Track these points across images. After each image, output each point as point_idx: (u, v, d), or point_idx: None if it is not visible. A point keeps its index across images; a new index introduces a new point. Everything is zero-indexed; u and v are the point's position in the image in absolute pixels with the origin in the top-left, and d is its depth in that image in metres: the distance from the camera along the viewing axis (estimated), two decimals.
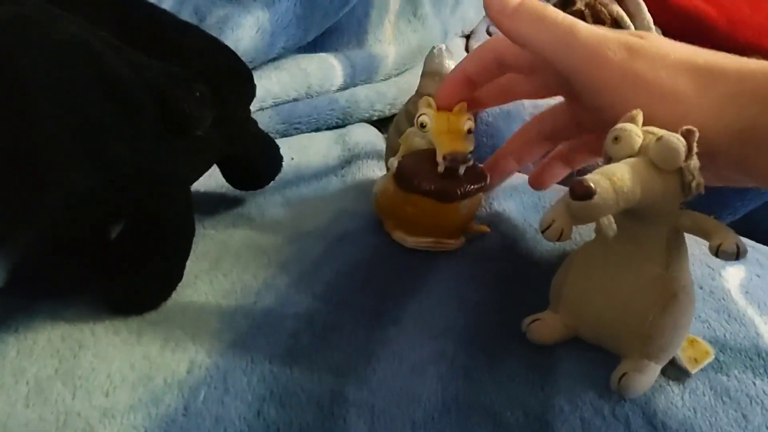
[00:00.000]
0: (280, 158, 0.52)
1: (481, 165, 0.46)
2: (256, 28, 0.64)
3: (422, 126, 0.43)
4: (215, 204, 0.50)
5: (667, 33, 0.85)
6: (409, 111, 0.48)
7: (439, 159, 0.41)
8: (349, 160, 0.61)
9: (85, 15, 0.35)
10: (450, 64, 0.48)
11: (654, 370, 0.35)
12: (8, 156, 0.28)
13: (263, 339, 0.37)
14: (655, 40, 0.37)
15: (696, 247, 0.34)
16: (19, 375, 0.33)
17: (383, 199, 0.46)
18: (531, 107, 0.68)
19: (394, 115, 0.71)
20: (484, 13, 1.11)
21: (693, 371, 0.36)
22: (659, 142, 0.31)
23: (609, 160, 0.33)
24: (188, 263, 0.41)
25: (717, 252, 0.31)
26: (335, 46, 0.77)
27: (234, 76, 0.44)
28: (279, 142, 0.53)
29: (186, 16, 0.65)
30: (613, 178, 0.29)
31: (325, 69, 0.71)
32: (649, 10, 0.87)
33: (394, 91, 0.77)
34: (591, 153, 0.50)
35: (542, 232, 0.32)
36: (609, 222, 0.34)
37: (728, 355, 0.38)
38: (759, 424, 0.34)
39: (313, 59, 0.72)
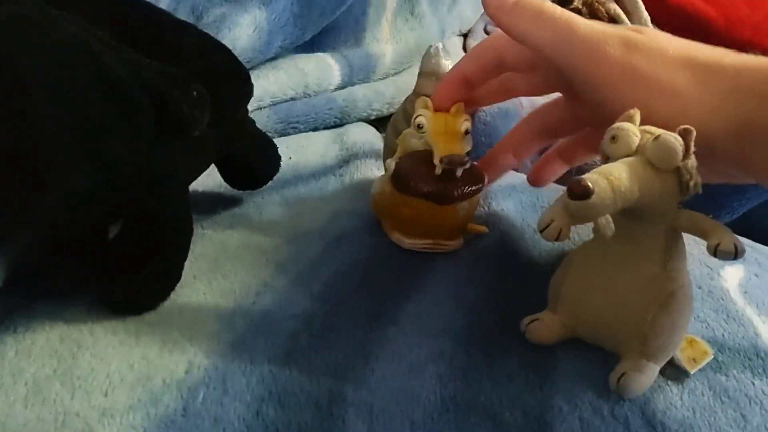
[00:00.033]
0: (278, 158, 0.52)
1: (476, 163, 0.46)
2: (253, 27, 0.64)
3: (419, 127, 0.43)
4: (213, 204, 0.50)
5: (664, 31, 0.85)
6: (407, 110, 0.48)
7: (437, 162, 0.41)
8: (347, 159, 0.61)
9: (85, 15, 0.35)
10: (447, 63, 0.48)
11: (653, 370, 0.35)
12: (8, 156, 0.28)
13: (262, 339, 0.37)
14: (653, 35, 0.37)
15: (695, 246, 0.34)
16: (18, 375, 0.33)
17: (381, 200, 0.46)
18: (529, 106, 0.68)
19: (392, 115, 0.71)
20: (481, 12, 1.11)
21: (692, 371, 0.36)
22: (657, 142, 0.31)
23: (607, 160, 0.33)
24: (186, 263, 0.41)
25: (715, 251, 0.31)
26: (333, 45, 0.77)
27: (231, 77, 0.44)
28: (277, 141, 0.53)
29: (183, 14, 0.65)
30: (611, 177, 0.29)
31: (323, 68, 0.71)
32: (646, 8, 0.87)
33: (392, 91, 0.77)
34: (590, 149, 0.50)
35: (541, 231, 0.32)
36: (607, 221, 0.34)
37: (727, 355, 0.38)
38: (758, 423, 0.34)
39: (310, 58, 0.71)
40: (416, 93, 0.49)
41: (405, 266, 0.44)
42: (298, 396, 0.33)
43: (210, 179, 0.50)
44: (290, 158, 0.59)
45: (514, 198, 0.54)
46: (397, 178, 0.43)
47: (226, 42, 0.54)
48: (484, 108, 0.75)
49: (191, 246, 0.41)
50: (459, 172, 0.42)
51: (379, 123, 0.74)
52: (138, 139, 0.34)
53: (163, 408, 0.32)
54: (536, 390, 0.35)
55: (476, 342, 0.38)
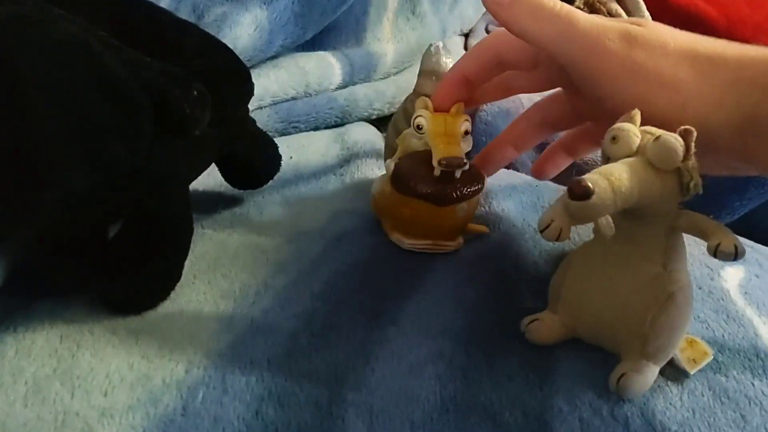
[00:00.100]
0: (279, 157, 0.52)
1: (474, 163, 0.46)
2: (254, 26, 0.64)
3: (418, 128, 0.43)
4: (214, 203, 0.50)
5: None
6: (407, 110, 0.47)
7: (435, 163, 0.41)
8: (348, 159, 0.61)
9: (85, 15, 0.35)
10: (447, 62, 0.47)
11: (652, 370, 0.35)
12: (8, 156, 0.28)
13: (262, 339, 0.37)
14: (654, 28, 0.37)
15: (695, 247, 0.34)
16: (18, 374, 0.33)
17: (381, 201, 0.46)
18: (529, 106, 0.68)
19: (393, 114, 0.71)
20: (483, 11, 1.11)
21: (692, 372, 0.36)
22: (657, 142, 0.31)
23: (607, 160, 0.33)
24: (187, 263, 0.41)
25: (715, 252, 0.31)
26: (334, 44, 0.77)
27: (232, 76, 0.44)
28: (277, 141, 0.53)
29: (184, 14, 0.65)
30: (611, 177, 0.29)
31: (324, 67, 0.71)
32: (648, 9, 0.87)
33: (393, 90, 0.77)
34: (594, 142, 0.49)
35: (541, 231, 0.32)
36: (607, 222, 0.34)
37: (727, 356, 0.38)
38: (757, 424, 0.34)
39: (311, 57, 0.71)
40: (416, 92, 0.49)
41: (405, 266, 0.44)
42: (298, 396, 0.33)
43: (210, 178, 0.50)
44: (291, 158, 0.59)
45: (515, 198, 0.54)
46: (396, 178, 0.43)
47: (227, 41, 0.53)
48: (485, 108, 0.75)
49: (191, 245, 0.41)
50: (458, 174, 0.42)
51: (380, 122, 0.74)
52: (138, 138, 0.34)
53: (162, 408, 0.32)
54: (536, 390, 0.35)
55: (476, 342, 0.38)
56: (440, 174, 0.41)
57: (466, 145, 0.44)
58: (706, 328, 0.41)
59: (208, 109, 0.37)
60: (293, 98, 0.68)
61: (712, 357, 0.37)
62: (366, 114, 0.74)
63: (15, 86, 0.28)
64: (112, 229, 0.38)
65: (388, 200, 0.45)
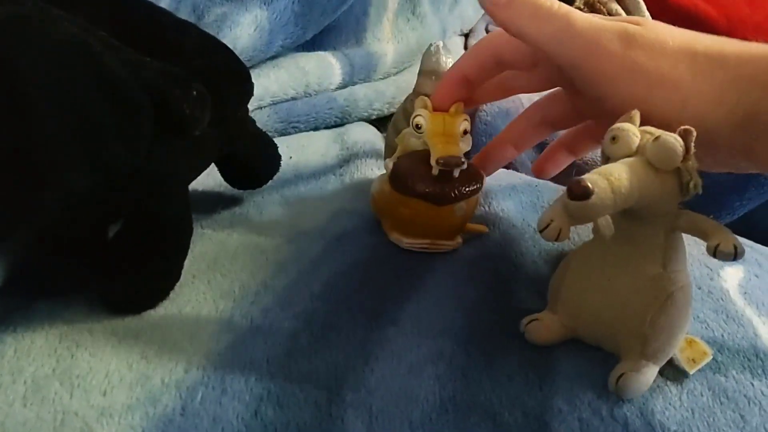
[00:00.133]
0: (279, 157, 0.52)
1: (473, 162, 0.46)
2: (254, 26, 0.64)
3: (417, 127, 0.43)
4: (213, 203, 0.50)
5: None
6: (407, 110, 0.47)
7: (433, 162, 0.41)
8: (348, 159, 0.61)
9: (85, 15, 0.35)
10: (447, 62, 0.47)
11: (652, 370, 0.35)
12: (7, 155, 0.28)
13: (261, 339, 0.37)
14: (652, 27, 0.37)
15: (695, 247, 0.34)
16: (17, 374, 0.33)
17: (380, 200, 0.46)
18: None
19: (393, 114, 0.71)
20: (483, 12, 1.11)
21: (691, 372, 0.36)
22: (657, 142, 0.31)
23: (607, 160, 0.33)
24: (186, 263, 0.41)
25: (715, 252, 0.31)
26: (334, 44, 0.77)
27: (232, 75, 0.44)
28: (277, 141, 0.53)
29: (184, 14, 0.65)
30: (611, 178, 0.29)
31: (324, 67, 0.71)
32: (648, 9, 0.87)
33: (392, 90, 0.77)
34: (594, 140, 0.49)
35: (540, 231, 0.32)
36: (607, 222, 0.34)
37: (726, 356, 0.38)
38: (757, 424, 0.34)
39: (311, 57, 0.71)
40: (416, 92, 0.49)
41: (405, 266, 0.44)
42: (297, 396, 0.33)
43: (210, 179, 0.50)
44: (290, 158, 0.59)
45: (515, 198, 0.54)
46: (394, 178, 0.43)
47: (227, 41, 0.53)
48: (485, 108, 0.75)
49: (191, 245, 0.41)
50: (456, 173, 0.41)
51: (380, 123, 0.74)
52: (138, 138, 0.34)
53: (161, 407, 0.32)
54: (536, 390, 0.35)
55: (476, 342, 0.38)
56: (438, 173, 0.41)
57: (465, 145, 0.44)
58: (706, 328, 0.41)
59: (208, 109, 0.37)
60: (293, 98, 0.68)
61: (711, 357, 0.37)
62: (366, 114, 0.74)
63: (15, 86, 0.29)
64: (112, 229, 0.38)
65: (387, 199, 0.45)
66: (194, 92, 0.36)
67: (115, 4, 0.41)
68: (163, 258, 0.39)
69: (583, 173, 0.29)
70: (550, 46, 0.37)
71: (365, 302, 0.40)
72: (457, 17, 1.01)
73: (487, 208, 0.52)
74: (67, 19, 0.33)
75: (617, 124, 0.33)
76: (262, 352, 0.36)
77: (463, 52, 0.99)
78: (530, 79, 0.46)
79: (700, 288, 0.44)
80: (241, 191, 0.52)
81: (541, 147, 0.57)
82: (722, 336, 0.40)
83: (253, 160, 0.50)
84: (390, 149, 0.51)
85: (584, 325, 0.37)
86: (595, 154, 0.62)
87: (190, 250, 0.41)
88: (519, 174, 0.61)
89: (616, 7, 0.92)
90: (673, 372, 0.36)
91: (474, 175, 0.43)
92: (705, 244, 0.32)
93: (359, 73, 0.76)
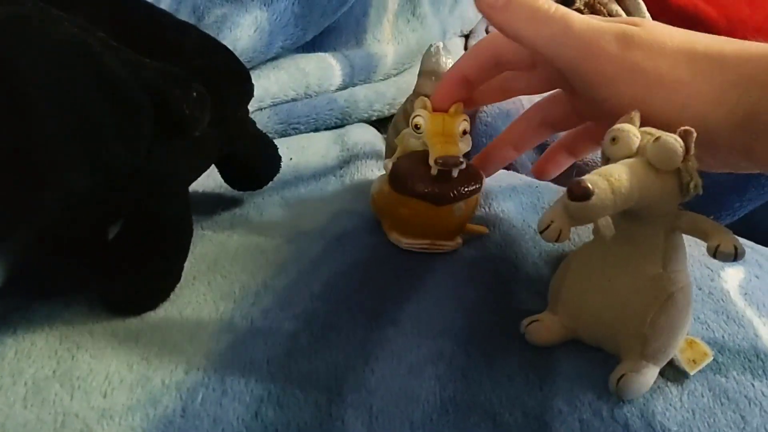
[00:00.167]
0: (279, 158, 0.52)
1: (472, 162, 0.45)
2: (254, 27, 0.64)
3: (416, 128, 0.43)
4: (213, 205, 0.50)
5: None
6: (407, 111, 0.47)
7: (432, 162, 0.41)
8: (348, 160, 0.61)
9: (84, 15, 0.35)
10: (447, 62, 0.47)
11: (652, 371, 0.35)
12: (7, 155, 0.28)
13: (261, 340, 0.37)
14: (651, 28, 0.37)
15: (695, 248, 0.34)
16: (18, 376, 0.33)
17: (379, 200, 0.46)
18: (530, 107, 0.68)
19: (393, 115, 0.71)
20: None
21: (692, 372, 0.36)
22: (657, 143, 0.31)
23: (607, 161, 0.33)
24: (186, 264, 0.41)
25: (715, 253, 0.31)
26: (334, 45, 0.77)
27: (232, 76, 0.44)
28: (277, 142, 0.53)
29: (184, 15, 0.65)
30: (611, 178, 0.29)
31: (324, 68, 0.71)
32: (648, 10, 0.87)
33: (393, 91, 0.77)
34: (595, 142, 0.49)
35: (540, 232, 0.32)
36: (607, 223, 0.34)
37: (727, 357, 0.38)
38: (757, 425, 0.34)
39: (311, 59, 0.71)
40: (416, 92, 0.49)
41: (405, 266, 0.44)
42: (298, 396, 0.33)
43: (210, 180, 0.50)
44: (291, 159, 0.59)
45: (515, 199, 0.54)
46: (393, 178, 0.43)
47: (227, 42, 0.54)
48: (485, 109, 0.75)
49: (191, 247, 0.41)
50: (455, 173, 0.41)
51: (380, 124, 0.74)
52: (138, 138, 0.34)
53: (162, 409, 0.32)
54: (536, 391, 0.35)
55: (476, 342, 0.38)
56: (437, 173, 0.41)
57: (465, 145, 0.44)
58: (706, 328, 0.40)
59: (207, 110, 0.37)
60: (293, 99, 0.68)
61: (712, 358, 0.37)
62: (366, 115, 0.74)
63: (15, 86, 0.29)
64: (112, 229, 0.38)
65: (387, 200, 0.45)
66: (194, 93, 0.36)
67: (115, 5, 0.41)
68: (163, 258, 0.39)
69: (584, 174, 0.29)
70: (548, 49, 0.37)
71: (365, 302, 0.40)
72: (458, 18, 1.01)
73: (487, 209, 0.52)
74: (67, 19, 0.33)
75: (617, 125, 0.33)
76: (263, 353, 0.36)
77: (463, 53, 0.99)
78: (530, 80, 0.46)
79: (700, 289, 0.44)
80: (242, 192, 0.52)
81: (541, 148, 0.56)
82: (723, 337, 0.40)
83: (253, 161, 0.50)
84: (390, 150, 0.51)
85: (585, 325, 0.37)
86: (596, 155, 0.62)
87: (190, 252, 0.41)
88: (519, 175, 0.61)
89: (616, 8, 0.92)
90: (673, 373, 0.36)
91: (473, 176, 0.43)
92: (705, 244, 0.32)
93: (359, 74, 0.76)
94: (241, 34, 0.63)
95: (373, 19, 0.81)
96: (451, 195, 0.41)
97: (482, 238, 0.48)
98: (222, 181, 0.50)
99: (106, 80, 0.32)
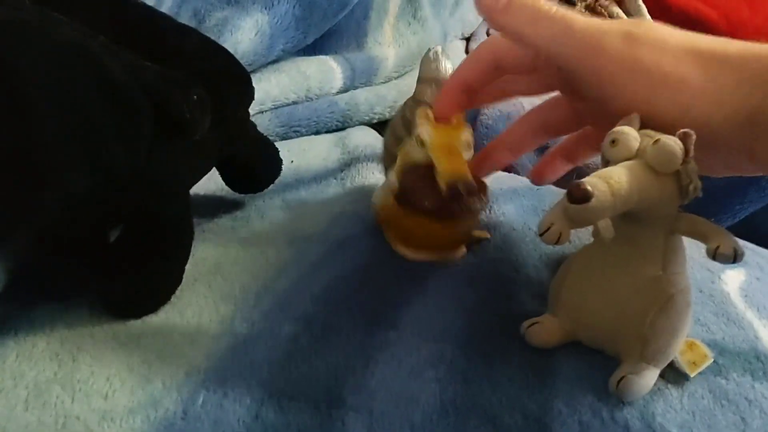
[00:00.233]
0: (280, 161, 0.52)
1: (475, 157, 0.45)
2: (255, 30, 0.64)
3: (421, 142, 0.42)
4: (215, 207, 0.50)
5: None
6: (406, 117, 0.47)
7: (442, 185, 0.40)
8: (349, 163, 0.61)
9: (83, 18, 0.35)
10: (447, 67, 0.46)
11: (652, 373, 0.35)
12: (8, 156, 0.28)
13: (262, 342, 0.37)
14: (652, 27, 0.36)
15: (696, 250, 0.34)
16: (19, 378, 0.33)
17: (384, 213, 0.46)
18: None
19: None
20: None
21: (692, 374, 0.36)
22: (656, 145, 0.31)
23: (607, 163, 0.33)
24: (187, 266, 0.41)
25: (714, 255, 0.31)
26: (335, 48, 0.77)
27: (233, 79, 0.44)
28: (278, 145, 0.54)
29: (185, 18, 0.65)
30: (611, 181, 0.29)
31: (325, 71, 0.71)
32: (648, 12, 0.87)
33: (393, 94, 0.77)
34: (593, 148, 0.49)
35: (540, 235, 0.32)
36: (606, 225, 0.34)
37: (727, 359, 0.38)
38: (757, 427, 0.34)
39: (312, 62, 0.72)
40: (415, 99, 0.48)
41: (405, 269, 0.44)
42: (298, 399, 0.33)
43: (211, 182, 0.50)
44: (292, 161, 0.59)
45: (516, 201, 0.54)
46: (402, 196, 0.43)
47: (228, 45, 0.54)
48: (486, 112, 0.75)
49: (192, 249, 0.41)
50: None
51: (381, 126, 0.74)
52: (137, 139, 0.34)
53: (163, 411, 0.32)
54: (536, 393, 0.35)
55: (476, 345, 0.38)
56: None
57: (467, 155, 0.43)
58: (707, 330, 0.41)
59: (208, 112, 0.37)
60: (294, 102, 0.68)
61: (712, 360, 0.37)
62: (367, 118, 0.74)
63: (15, 87, 0.29)
64: (113, 233, 0.38)
65: (393, 213, 0.45)
66: (194, 96, 0.36)
67: (115, 8, 0.41)
68: (163, 258, 0.39)
69: (584, 176, 0.29)
70: (551, 49, 0.37)
71: (366, 305, 0.40)
72: (458, 21, 1.01)
73: (488, 212, 0.52)
74: (67, 22, 0.34)
75: (616, 128, 0.33)
76: (263, 355, 0.36)
77: (464, 56, 0.99)
78: (530, 82, 0.46)
79: (701, 291, 0.44)
80: (243, 195, 0.52)
81: (543, 151, 0.56)
82: (723, 339, 0.40)
83: (253, 164, 0.50)
84: (389, 155, 0.50)
85: (585, 327, 0.37)
86: (596, 158, 0.62)
87: (191, 254, 0.41)
88: (520, 177, 0.61)
89: (617, 10, 0.92)
90: (673, 375, 0.36)
91: (480, 188, 0.43)
92: (705, 246, 0.32)
93: (360, 77, 0.76)
94: (241, 37, 0.63)
95: (374, 22, 0.81)
96: (460, 211, 0.41)
97: (482, 242, 0.48)
98: (223, 183, 0.50)
99: (105, 82, 0.32)
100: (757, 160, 0.34)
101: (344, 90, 0.74)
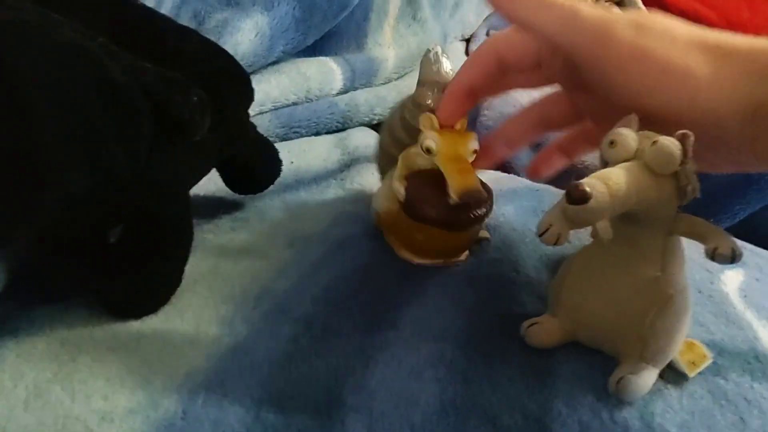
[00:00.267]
0: (280, 162, 0.52)
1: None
2: (255, 32, 0.64)
3: (428, 151, 0.42)
4: (214, 208, 0.50)
5: None
6: (405, 119, 0.46)
7: (453, 196, 0.40)
8: (349, 164, 0.61)
9: (83, 19, 0.35)
10: (447, 68, 0.46)
11: (652, 373, 0.35)
12: (8, 156, 0.29)
13: (262, 343, 0.37)
14: (661, 18, 0.36)
15: (695, 251, 0.34)
16: (19, 379, 0.33)
17: (388, 220, 0.46)
18: None
19: None
20: (483, 16, 1.11)
21: (691, 375, 0.36)
22: (655, 146, 0.31)
23: (605, 164, 0.33)
24: (187, 267, 0.41)
25: (713, 255, 0.31)
26: (335, 49, 0.77)
27: (233, 81, 0.44)
28: (278, 145, 0.54)
29: (185, 19, 0.66)
30: (609, 182, 0.29)
31: (325, 72, 0.71)
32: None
33: (394, 95, 0.77)
34: (590, 143, 0.49)
35: (540, 235, 0.32)
36: (605, 226, 0.34)
37: (726, 359, 0.38)
38: (756, 427, 0.34)
39: (312, 63, 0.72)
40: (415, 102, 0.46)
41: (405, 269, 0.44)
42: (298, 399, 0.33)
43: (211, 183, 0.50)
44: (291, 162, 0.59)
45: (515, 202, 0.54)
46: (408, 205, 0.42)
47: (228, 47, 0.54)
48: (486, 113, 0.75)
49: (192, 250, 0.41)
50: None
51: (381, 128, 0.74)
52: (137, 140, 0.34)
53: (162, 411, 0.32)
54: (536, 393, 0.35)
55: (476, 345, 0.38)
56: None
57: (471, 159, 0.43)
58: (706, 331, 0.41)
59: (208, 114, 0.37)
60: (294, 103, 0.68)
61: (711, 360, 0.37)
62: (367, 119, 0.74)
63: (15, 87, 0.29)
64: (113, 233, 0.38)
65: (396, 220, 0.44)
66: (194, 97, 0.36)
67: (115, 10, 0.41)
68: (163, 258, 0.39)
69: (583, 177, 0.29)
70: (558, 36, 0.37)
71: (365, 306, 0.40)
72: (458, 22, 1.01)
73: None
74: (67, 23, 0.34)
75: (615, 129, 0.33)
76: (263, 356, 0.36)
77: (464, 57, 0.99)
78: (530, 77, 0.46)
79: (700, 291, 0.44)
80: (243, 196, 0.52)
81: (538, 148, 0.56)
82: (722, 339, 0.40)
83: (253, 164, 0.50)
84: (385, 155, 0.50)
85: (584, 327, 0.37)
86: (595, 158, 0.62)
87: (191, 255, 0.41)
88: (519, 178, 0.61)
89: (616, 10, 0.92)
90: (673, 375, 0.36)
91: (487, 193, 0.43)
92: (704, 247, 0.32)
93: (360, 78, 0.76)
94: (241, 38, 0.63)
95: (374, 23, 0.81)
96: (468, 220, 0.41)
97: (482, 243, 0.48)
98: (223, 184, 0.50)
99: (105, 82, 0.32)
100: (760, 155, 0.34)
101: (344, 91, 0.74)
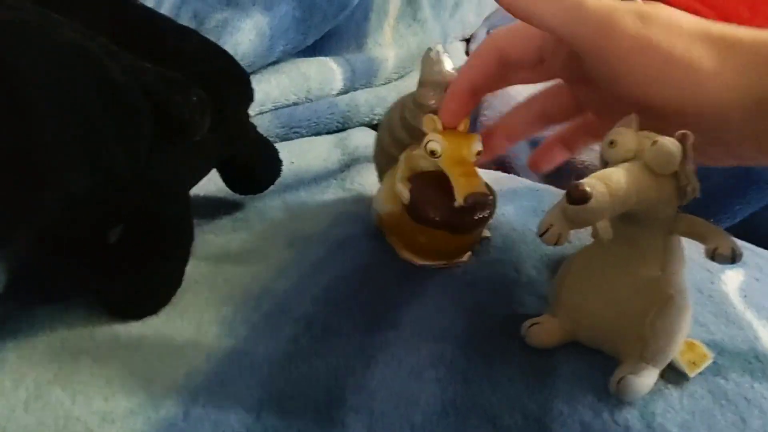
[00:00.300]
0: (280, 162, 0.52)
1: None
2: (255, 32, 0.64)
3: (432, 153, 0.41)
4: (215, 208, 0.50)
5: None
6: (405, 119, 0.46)
7: (459, 199, 0.39)
8: (349, 164, 0.61)
9: (83, 19, 0.35)
10: (448, 67, 0.45)
11: (652, 373, 0.35)
12: (8, 156, 0.29)
13: (262, 343, 0.37)
14: (665, 9, 0.36)
15: (695, 251, 0.34)
16: (19, 380, 0.33)
17: (390, 221, 0.46)
18: None
19: None
20: (484, 16, 1.11)
21: (691, 375, 0.36)
22: (655, 146, 0.31)
23: (605, 164, 0.33)
24: (188, 268, 0.41)
25: (713, 256, 0.31)
26: (335, 50, 0.77)
27: (233, 81, 0.44)
28: (279, 146, 0.54)
29: (185, 19, 0.66)
30: (609, 182, 0.29)
31: (325, 72, 0.71)
32: None
33: (394, 95, 0.77)
34: (591, 136, 0.49)
35: (540, 236, 0.32)
36: (605, 226, 0.34)
37: (726, 359, 0.38)
38: (757, 427, 0.34)
39: (312, 63, 0.72)
40: (416, 102, 0.46)
41: (405, 270, 0.44)
42: (299, 399, 0.33)
43: (211, 184, 0.50)
44: (292, 162, 0.59)
45: (515, 202, 0.54)
46: (413, 209, 0.42)
47: (228, 47, 0.54)
48: (486, 113, 0.75)
49: (193, 250, 0.41)
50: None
51: (379, 127, 0.74)
52: (137, 140, 0.34)
53: (163, 412, 0.32)
54: (536, 393, 0.35)
55: (476, 345, 0.38)
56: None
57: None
58: (706, 331, 0.40)
59: (208, 114, 0.37)
60: (294, 103, 0.68)
61: (711, 360, 0.37)
62: (367, 119, 0.74)
63: (15, 87, 0.29)
64: (114, 234, 0.38)
65: (399, 223, 0.44)
66: (194, 97, 0.36)
67: (115, 10, 0.41)
68: (163, 259, 0.39)
69: (583, 177, 0.29)
70: (562, 28, 0.36)
71: (366, 306, 0.40)
72: (458, 22, 1.01)
73: None
74: (67, 23, 0.34)
75: (615, 129, 0.33)
76: (264, 356, 0.36)
77: (464, 57, 0.99)
78: (530, 72, 0.45)
79: (700, 291, 0.44)
80: (243, 196, 0.52)
81: (536, 144, 0.56)
82: (722, 339, 0.40)
83: (254, 164, 0.50)
84: (384, 154, 0.49)
85: (585, 327, 0.37)
86: (595, 158, 0.62)
87: (192, 255, 0.41)
88: (519, 178, 0.61)
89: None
90: (673, 375, 0.36)
91: (490, 194, 0.42)
92: (704, 247, 0.32)
93: (360, 79, 0.76)
94: (241, 38, 0.63)
95: (374, 23, 0.81)
96: (472, 223, 0.41)
97: (483, 241, 0.48)
98: (223, 184, 0.50)
99: (105, 82, 0.32)
100: (763, 148, 0.34)
101: (344, 91, 0.74)
